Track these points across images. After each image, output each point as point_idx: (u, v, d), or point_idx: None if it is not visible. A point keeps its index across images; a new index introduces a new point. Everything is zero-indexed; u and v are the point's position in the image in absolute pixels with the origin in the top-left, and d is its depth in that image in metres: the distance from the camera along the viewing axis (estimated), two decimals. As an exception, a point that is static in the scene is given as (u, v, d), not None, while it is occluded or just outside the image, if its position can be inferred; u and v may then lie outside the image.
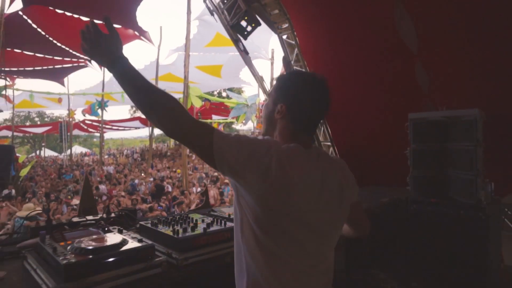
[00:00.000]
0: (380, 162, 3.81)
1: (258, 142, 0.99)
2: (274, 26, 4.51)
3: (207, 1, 3.68)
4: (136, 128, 34.60)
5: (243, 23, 3.79)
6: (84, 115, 18.57)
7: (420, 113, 2.97)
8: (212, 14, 3.82)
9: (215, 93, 33.25)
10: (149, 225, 1.52)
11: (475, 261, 2.64)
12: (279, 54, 26.12)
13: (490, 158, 2.77)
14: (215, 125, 22.59)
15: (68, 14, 15.04)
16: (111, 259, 1.13)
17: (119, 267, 1.14)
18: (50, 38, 16.95)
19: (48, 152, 41.89)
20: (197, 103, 12.66)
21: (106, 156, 35.98)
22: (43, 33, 16.47)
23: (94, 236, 1.29)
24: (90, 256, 1.11)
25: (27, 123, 43.87)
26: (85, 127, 33.05)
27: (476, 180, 2.70)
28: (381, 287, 2.32)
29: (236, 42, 3.85)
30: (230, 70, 17.65)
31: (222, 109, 23.42)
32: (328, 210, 1.05)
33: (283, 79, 1.17)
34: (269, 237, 0.96)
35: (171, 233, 1.37)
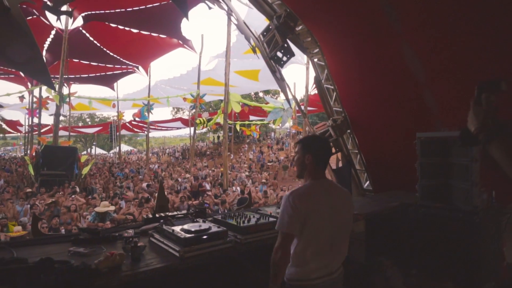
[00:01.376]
0: (397, 171, 4.44)
1: (290, 210, 1.77)
2: (306, 51, 5.24)
3: (251, 38, 4.48)
4: (177, 128, 36.63)
5: (279, 54, 4.57)
6: (134, 119, 20.24)
7: (425, 133, 3.59)
8: (254, 51, 4.62)
9: (252, 94, 34.30)
10: (219, 217, 2.37)
11: (469, 256, 3.24)
12: (315, 56, 26.44)
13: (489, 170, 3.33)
14: (252, 128, 23.61)
15: (121, 27, 16.66)
16: (205, 237, 1.98)
17: (209, 242, 1.98)
18: (104, 49, 18.75)
19: (98, 150, 45.46)
20: (237, 108, 13.61)
21: (150, 155, 38.42)
22: (98, 45, 18.29)
23: (191, 224, 2.15)
24: (193, 235, 1.96)
25: (80, 124, 47.70)
26: (131, 127, 35.57)
27: (472, 189, 3.29)
28: (387, 271, 3.01)
29: (274, 72, 4.63)
30: (267, 74, 18.45)
31: (259, 110, 24.40)
32: (336, 220, 1.87)
33: (306, 140, 2.04)
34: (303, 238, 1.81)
35: (236, 223, 2.22)
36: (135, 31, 16.94)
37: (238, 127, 22.38)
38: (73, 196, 10.88)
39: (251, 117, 26.94)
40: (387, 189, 4.95)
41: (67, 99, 15.05)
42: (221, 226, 2.20)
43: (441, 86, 3.72)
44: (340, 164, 6.06)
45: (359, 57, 4.62)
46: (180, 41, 18.08)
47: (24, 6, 14.54)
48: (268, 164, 23.58)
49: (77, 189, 12.62)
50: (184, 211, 2.63)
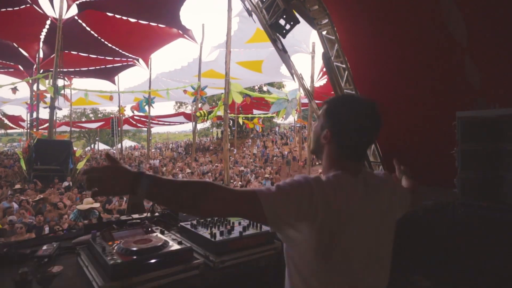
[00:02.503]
0: (425, 162, 3.63)
1: (301, 189, 0.96)
2: (313, 22, 4.44)
3: (246, 1, 3.72)
4: (180, 123, 35.94)
5: (282, 22, 3.78)
6: (132, 112, 19.59)
7: (469, 112, 2.78)
8: (250, 15, 3.85)
9: (256, 87, 33.43)
10: (188, 226, 1.61)
11: (531, 271, 2.45)
12: (320, 48, 25.55)
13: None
14: (255, 121, 22.84)
15: (118, 16, 15.92)
16: (153, 261, 1.22)
17: (160, 268, 1.22)
18: (102, 40, 18.04)
19: (101, 146, 45.00)
20: (238, 99, 12.83)
21: (153, 150, 37.84)
22: (95, 35, 17.59)
23: (138, 238, 1.38)
24: (134, 257, 1.21)
25: (83, 119, 47.28)
26: (134, 122, 34.97)
27: (534, 184, 2.49)
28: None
29: (275, 41, 3.85)
30: (271, 64, 17.65)
31: (263, 104, 23.54)
32: (376, 236, 1.09)
33: (331, 103, 1.15)
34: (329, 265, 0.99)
35: (208, 236, 1.44)
36: (133, 20, 16.20)
37: (241, 121, 21.58)
38: (67, 192, 10.27)
39: (255, 111, 26.17)
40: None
41: (62, 91, 14.34)
42: (186, 240, 1.43)
43: (488, 53, 2.91)
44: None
45: (378, 25, 3.81)
46: (180, 31, 17.29)
47: (15, -7, 13.90)
48: (273, 159, 22.80)
49: (70, 184, 12.02)
50: (144, 215, 1.87)
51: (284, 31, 3.75)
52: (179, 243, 1.35)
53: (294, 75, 5.38)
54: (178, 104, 39.04)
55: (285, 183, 0.99)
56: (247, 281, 1.40)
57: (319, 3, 4.27)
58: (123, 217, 1.84)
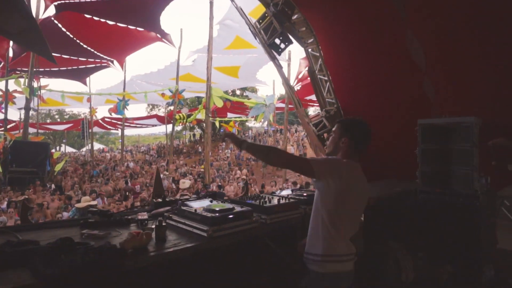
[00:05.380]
0: (394, 159, 4.49)
1: (334, 161, 1.83)
2: (301, 41, 5.20)
3: (250, 26, 4.39)
4: (153, 125, 35.72)
5: (277, 41, 4.50)
6: (110, 114, 19.53)
7: (427, 119, 3.63)
8: (255, 38, 4.52)
9: (230, 92, 34.06)
10: (237, 199, 2.27)
11: (469, 238, 3.31)
12: (296, 55, 26.72)
13: (486, 156, 3.43)
14: (231, 123, 23.49)
15: (96, 18, 15.96)
16: (231, 216, 1.87)
17: (235, 221, 1.87)
18: (78, 41, 17.91)
19: (67, 149, 43.49)
20: (219, 103, 13.42)
21: (124, 153, 37.25)
22: (71, 36, 17.45)
23: (210, 204, 2.03)
24: (219, 214, 1.85)
25: (48, 120, 45.47)
26: (105, 125, 34.30)
27: (472, 174, 3.36)
28: (395, 255, 3.02)
29: (273, 59, 4.55)
30: (247, 70, 18.38)
31: (237, 107, 24.20)
32: (363, 201, 1.91)
33: (345, 123, 2.00)
34: (335, 212, 1.77)
35: (258, 204, 2.12)
36: (111, 23, 16.29)
37: (217, 123, 22.09)
38: (51, 196, 10.34)
39: (229, 115, 26.76)
40: (379, 178, 5.01)
41: (38, 92, 14.21)
42: (244, 206, 2.09)
43: (441, 75, 3.79)
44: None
45: (355, 46, 4.63)
46: (158, 35, 17.58)
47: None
48: (247, 161, 23.51)
49: (53, 187, 12.01)
50: (194, 196, 2.50)
51: (280, 50, 4.46)
52: (241, 207, 2.01)
53: (285, 84, 6.13)
54: (151, 107, 38.73)
55: (322, 158, 1.80)
56: (285, 231, 2.10)
57: (307, 25, 5.03)
58: (181, 198, 2.46)
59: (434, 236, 3.31)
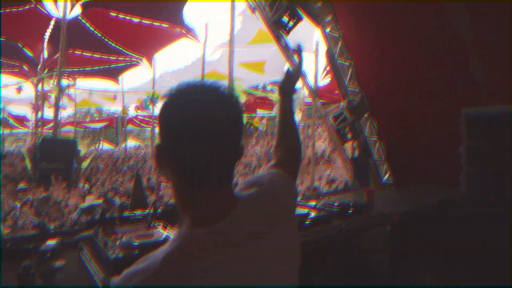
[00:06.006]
0: (429, 159, 3.60)
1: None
2: (317, 19, 4.42)
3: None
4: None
5: (285, 18, 3.76)
6: (136, 112, 19.67)
7: (474, 109, 2.75)
8: (253, 11, 3.84)
9: (260, 86, 33.40)
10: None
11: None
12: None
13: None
14: (255, 120, 22.78)
15: (121, 16, 15.98)
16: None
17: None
18: (106, 39, 18.14)
19: (106, 146, 45.21)
20: (241, 98, 12.82)
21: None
22: (99, 34, 17.68)
23: (141, 232, 1.38)
24: (137, 252, 1.20)
25: (87, 119, 47.49)
26: (138, 122, 35.07)
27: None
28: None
29: (278, 38, 3.83)
30: (274, 64, 17.62)
31: (267, 103, 23.48)
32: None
33: (163, 109, 0.74)
34: None
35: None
36: (136, 19, 16.26)
37: (245, 120, 21.58)
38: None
39: (258, 111, 26.13)
40: (412, 182, 4.13)
41: (66, 92, 14.43)
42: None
43: (493, 50, 2.87)
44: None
45: (383, 21, 3.78)
46: (183, 31, 17.33)
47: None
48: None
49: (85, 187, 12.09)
50: (146, 211, 1.87)
51: (288, 28, 3.73)
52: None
53: (295, 72, 5.37)
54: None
55: None
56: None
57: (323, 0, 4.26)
58: (126, 213, 1.84)
59: (485, 268, 2.45)
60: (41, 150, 12.95)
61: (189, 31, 17.18)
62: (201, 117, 0.68)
